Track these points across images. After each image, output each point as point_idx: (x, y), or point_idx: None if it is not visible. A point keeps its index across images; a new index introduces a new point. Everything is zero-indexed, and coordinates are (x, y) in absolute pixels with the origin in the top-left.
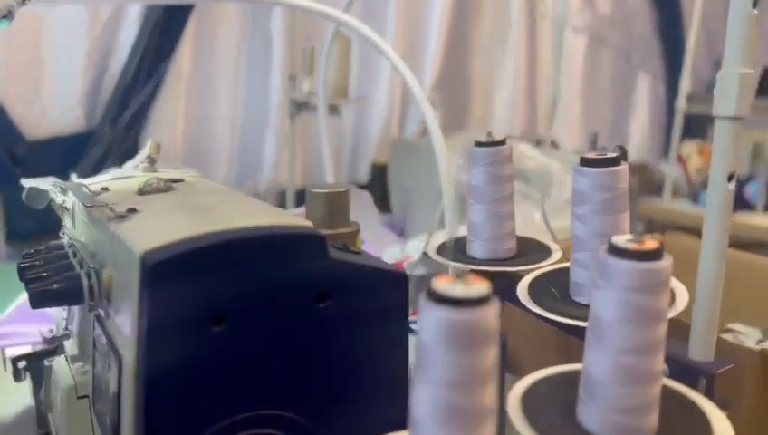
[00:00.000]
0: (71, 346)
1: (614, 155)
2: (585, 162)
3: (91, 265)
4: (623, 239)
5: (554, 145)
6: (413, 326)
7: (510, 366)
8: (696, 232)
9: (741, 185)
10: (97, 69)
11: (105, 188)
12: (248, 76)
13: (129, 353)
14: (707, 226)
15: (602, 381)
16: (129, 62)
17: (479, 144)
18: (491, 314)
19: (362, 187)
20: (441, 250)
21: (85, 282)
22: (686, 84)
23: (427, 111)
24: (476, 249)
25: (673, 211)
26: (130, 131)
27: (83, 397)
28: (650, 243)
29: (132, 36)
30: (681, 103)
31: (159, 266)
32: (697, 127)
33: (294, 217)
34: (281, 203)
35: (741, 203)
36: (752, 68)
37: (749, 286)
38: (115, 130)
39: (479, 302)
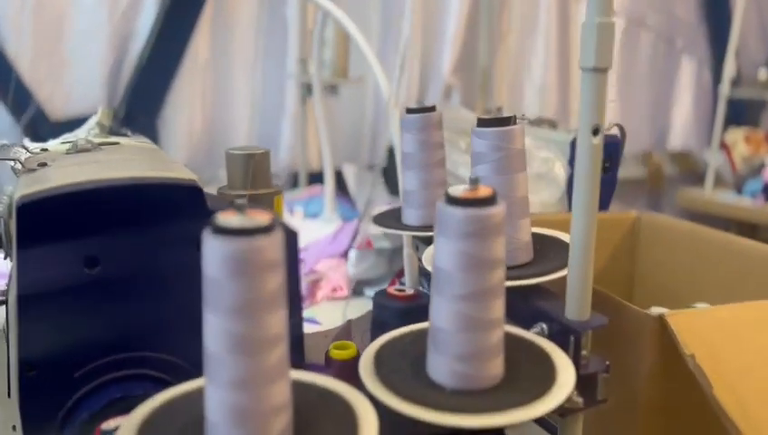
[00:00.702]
0: None
1: (509, 115)
2: (481, 123)
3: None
4: (459, 189)
5: (552, 124)
6: None
7: None
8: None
9: None
10: (117, 53)
11: (45, 149)
12: (265, 60)
13: (12, 294)
14: (576, 181)
15: (443, 330)
16: (145, 47)
17: (409, 111)
18: (269, 244)
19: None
20: (378, 219)
21: None
22: (729, 68)
23: (392, 114)
24: (410, 217)
25: (714, 202)
26: (147, 115)
27: None
28: (484, 191)
29: (150, 21)
30: (724, 88)
31: (28, 207)
32: (747, 113)
33: (183, 172)
34: (293, 185)
35: None
36: (612, 18)
37: (731, 267)
38: (132, 112)
39: (255, 232)
